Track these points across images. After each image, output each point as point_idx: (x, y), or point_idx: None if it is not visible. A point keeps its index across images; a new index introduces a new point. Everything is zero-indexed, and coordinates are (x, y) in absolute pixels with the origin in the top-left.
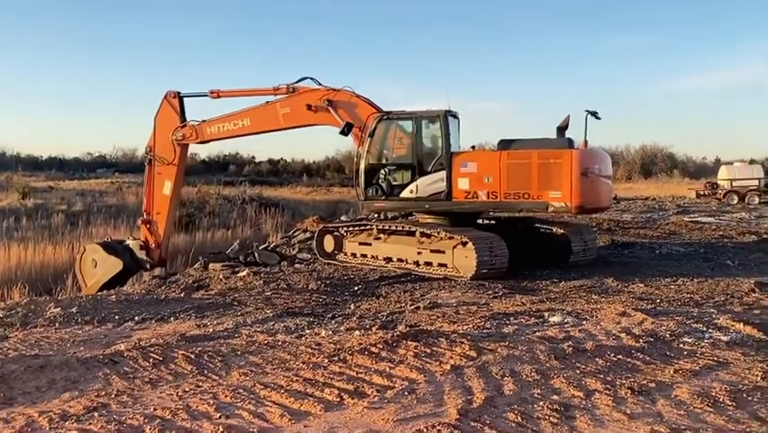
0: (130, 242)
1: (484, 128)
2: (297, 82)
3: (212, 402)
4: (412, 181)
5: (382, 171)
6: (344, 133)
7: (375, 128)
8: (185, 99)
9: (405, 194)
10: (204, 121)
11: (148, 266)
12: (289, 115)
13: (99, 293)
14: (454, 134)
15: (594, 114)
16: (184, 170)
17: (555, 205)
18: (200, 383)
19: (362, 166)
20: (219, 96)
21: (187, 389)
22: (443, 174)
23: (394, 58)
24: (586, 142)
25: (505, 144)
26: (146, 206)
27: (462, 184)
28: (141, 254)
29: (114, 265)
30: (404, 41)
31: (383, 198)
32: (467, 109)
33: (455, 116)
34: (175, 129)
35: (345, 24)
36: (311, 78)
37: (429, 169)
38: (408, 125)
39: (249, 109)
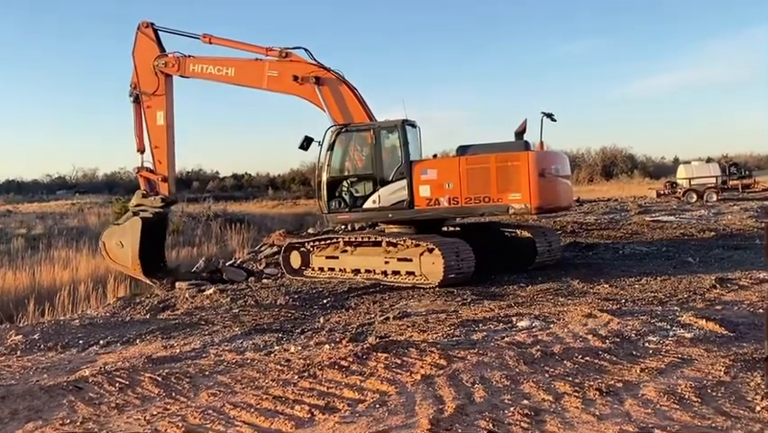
0: (134, 198)
1: (439, 137)
2: (291, 49)
3: (180, 425)
4: (374, 192)
5: (344, 183)
6: (304, 147)
7: (334, 141)
8: (160, 34)
9: (368, 205)
10: (190, 56)
11: (161, 201)
12: (275, 78)
13: (68, 318)
14: (414, 143)
15: (549, 115)
16: (172, 102)
17: (515, 206)
18: (168, 406)
19: (324, 179)
20: (211, 42)
21: (155, 412)
22: (404, 183)
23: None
24: (542, 143)
25: (463, 150)
26: (139, 145)
27: (424, 191)
28: (150, 201)
29: (133, 225)
30: (361, 51)
31: (347, 210)
32: (423, 118)
33: (413, 125)
34: (157, 57)
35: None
36: (305, 50)
37: (390, 178)
38: (367, 136)
39: (237, 60)
